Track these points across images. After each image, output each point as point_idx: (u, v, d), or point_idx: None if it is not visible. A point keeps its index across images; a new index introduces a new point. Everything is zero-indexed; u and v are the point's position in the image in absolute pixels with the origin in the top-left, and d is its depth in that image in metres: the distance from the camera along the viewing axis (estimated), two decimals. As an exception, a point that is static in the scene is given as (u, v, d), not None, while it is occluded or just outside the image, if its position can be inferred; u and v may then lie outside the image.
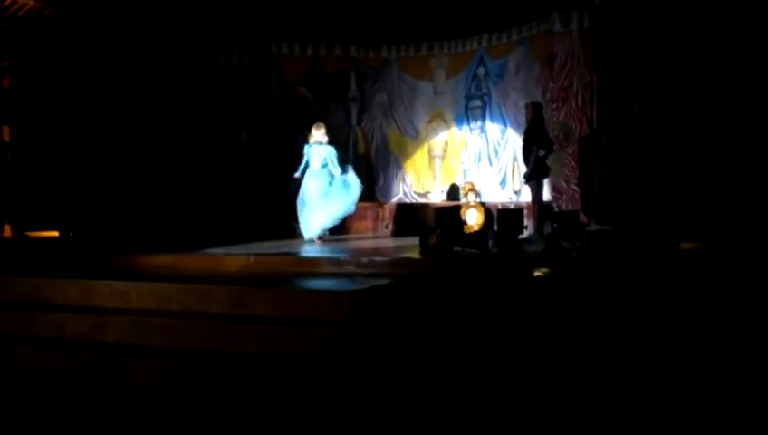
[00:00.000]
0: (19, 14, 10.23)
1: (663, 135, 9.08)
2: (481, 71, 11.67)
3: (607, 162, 9.59)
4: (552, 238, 7.40)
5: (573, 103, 9.97)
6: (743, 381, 4.45)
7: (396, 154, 12.41)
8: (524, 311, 5.64)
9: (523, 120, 10.17)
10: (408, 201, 11.95)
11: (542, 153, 8.84)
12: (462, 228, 8.16)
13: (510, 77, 11.21)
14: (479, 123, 11.74)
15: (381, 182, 12.36)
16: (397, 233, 10.32)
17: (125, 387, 5.01)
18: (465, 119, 11.93)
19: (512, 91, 11.12)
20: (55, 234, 10.23)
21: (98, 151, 11.04)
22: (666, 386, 4.44)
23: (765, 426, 3.91)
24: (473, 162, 11.83)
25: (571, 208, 9.50)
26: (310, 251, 8.24)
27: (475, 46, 11.74)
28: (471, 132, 11.87)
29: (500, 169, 11.37)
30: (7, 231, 9.61)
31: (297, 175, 9.10)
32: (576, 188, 9.90)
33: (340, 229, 10.09)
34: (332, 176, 9.10)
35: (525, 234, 8.57)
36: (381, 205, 11.56)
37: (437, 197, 11.97)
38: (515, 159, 10.81)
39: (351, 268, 6.67)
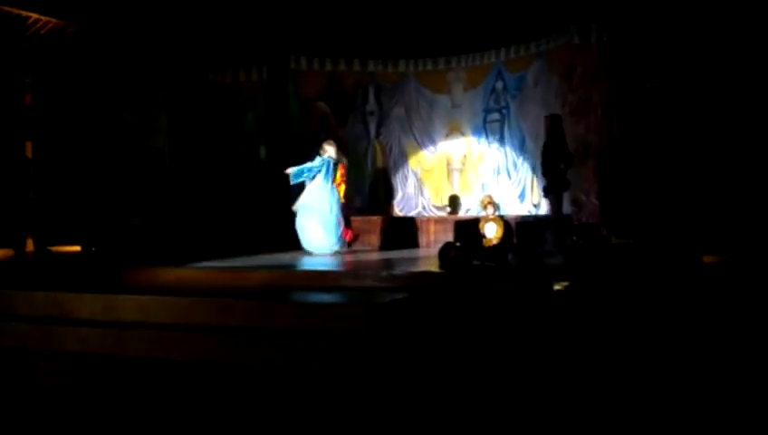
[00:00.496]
0: (42, 31, 10.41)
1: (684, 147, 9.01)
2: (499, 84, 11.68)
3: (627, 175, 9.52)
4: (571, 252, 7.35)
5: (593, 116, 9.92)
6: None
7: (414, 168, 12.42)
8: (544, 325, 5.59)
9: (541, 133, 10.14)
10: (425, 215, 11.93)
11: (561, 166, 8.80)
12: (481, 242, 8.13)
13: (528, 90, 11.20)
14: (498, 137, 11.73)
15: (400, 196, 12.37)
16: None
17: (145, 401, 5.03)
18: (484, 132, 11.92)
19: (530, 104, 11.11)
20: (77, 248, 10.34)
21: (119, 167, 11.15)
22: (688, 400, 4.38)
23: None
24: (491, 176, 11.81)
25: (590, 222, 9.44)
26: (328, 265, 8.25)
27: (492, 60, 11.75)
28: (489, 146, 11.86)
29: (519, 183, 11.34)
30: (30, 246, 9.73)
31: (291, 174, 9.17)
32: (596, 201, 9.83)
33: (358, 242, 10.14)
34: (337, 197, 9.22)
35: (545, 247, 8.52)
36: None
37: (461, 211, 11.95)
38: (534, 172, 10.78)
39: (370, 282, 6.66)
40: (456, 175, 12.22)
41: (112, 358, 5.56)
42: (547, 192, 9.02)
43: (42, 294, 6.50)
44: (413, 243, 10.64)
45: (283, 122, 11.76)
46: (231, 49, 11.60)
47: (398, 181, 12.38)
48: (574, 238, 8.08)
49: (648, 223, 8.97)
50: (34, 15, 10.11)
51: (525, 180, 11.22)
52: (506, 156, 11.58)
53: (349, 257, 8.97)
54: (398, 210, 12.17)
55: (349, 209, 11.34)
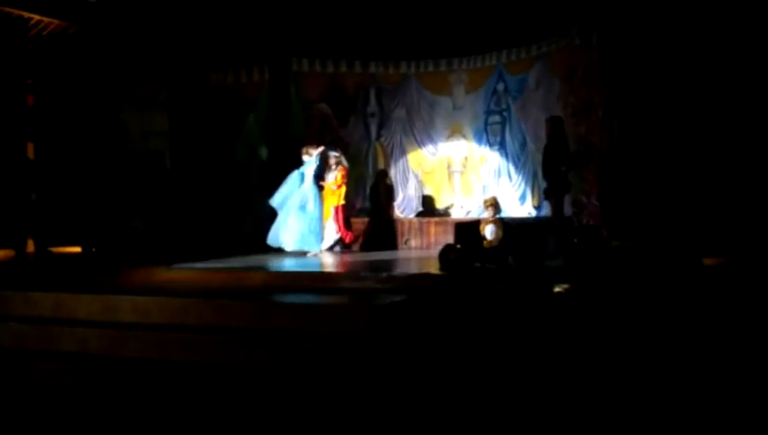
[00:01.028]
0: (44, 33, 10.42)
1: (685, 149, 8.99)
2: (500, 86, 11.67)
3: (628, 177, 9.50)
4: (572, 254, 7.34)
5: (594, 118, 9.91)
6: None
7: (415, 169, 12.41)
8: (544, 327, 5.58)
9: (542, 135, 10.13)
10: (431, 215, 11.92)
11: (562, 168, 8.78)
12: (481, 244, 8.12)
13: (530, 92, 11.19)
14: (498, 139, 11.72)
15: (401, 197, 12.36)
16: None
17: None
18: (485, 134, 11.91)
19: (531, 106, 11.10)
20: (78, 249, 10.35)
21: (119, 168, 11.16)
22: (689, 401, 4.37)
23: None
24: (492, 177, 11.80)
25: (591, 224, 9.43)
26: (329, 266, 8.25)
27: (494, 62, 11.75)
28: (491, 148, 11.85)
29: (520, 185, 11.33)
30: (30, 246, 9.74)
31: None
32: (597, 203, 9.81)
33: (358, 244, 10.19)
34: None
35: (545, 249, 8.50)
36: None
37: (457, 212, 11.94)
38: (535, 174, 10.76)
39: (370, 283, 6.65)
40: (456, 177, 12.21)
41: (110, 358, 5.55)
42: (548, 194, 9.01)
43: (39, 295, 6.50)
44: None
45: (284, 124, 11.76)
46: (232, 50, 11.61)
47: (398, 183, 12.37)
48: (575, 240, 8.07)
49: (649, 225, 8.96)
50: (36, 17, 10.13)
51: (526, 182, 11.21)
52: (507, 158, 11.57)
53: (346, 258, 8.98)
54: (399, 212, 12.16)
55: (349, 211, 11.39)
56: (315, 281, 7.09)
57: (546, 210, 10.08)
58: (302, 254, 9.30)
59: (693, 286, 6.13)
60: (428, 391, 4.70)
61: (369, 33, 11.47)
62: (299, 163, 9.68)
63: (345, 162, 10.85)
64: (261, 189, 11.43)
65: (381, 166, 12.37)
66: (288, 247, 9.29)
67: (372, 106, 12.36)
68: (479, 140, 11.99)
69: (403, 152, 12.42)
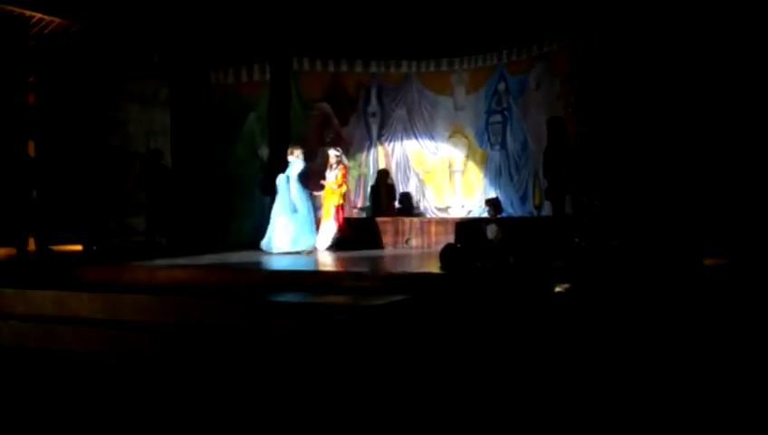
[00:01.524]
0: (45, 31, 10.42)
1: (686, 149, 8.99)
2: (501, 86, 11.66)
3: (629, 177, 9.51)
4: (573, 254, 7.34)
5: (595, 118, 9.90)
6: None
7: (416, 169, 12.41)
8: (545, 327, 5.58)
9: (543, 135, 10.13)
10: (427, 216, 11.92)
11: (563, 168, 8.80)
12: (482, 243, 8.14)
13: (531, 92, 11.18)
14: (500, 138, 11.70)
15: (402, 197, 12.35)
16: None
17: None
18: (486, 134, 11.90)
19: (533, 106, 11.09)
20: (79, 247, 10.35)
21: (120, 166, 11.17)
22: (690, 402, 4.37)
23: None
24: (493, 177, 11.79)
25: (592, 224, 9.42)
26: (330, 265, 8.25)
27: (495, 62, 11.73)
28: (492, 148, 11.83)
29: (521, 185, 11.31)
30: (31, 245, 9.74)
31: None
32: (598, 203, 9.80)
33: (359, 243, 10.19)
34: None
35: (546, 249, 8.51)
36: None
37: (457, 212, 11.94)
38: (536, 174, 10.76)
39: (371, 282, 6.66)
40: (457, 176, 12.20)
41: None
42: (549, 194, 9.02)
43: (41, 293, 6.50)
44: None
45: (284, 123, 11.77)
46: (233, 49, 11.60)
47: (399, 182, 12.37)
48: (576, 240, 8.08)
49: (650, 225, 8.96)
50: (38, 15, 10.12)
51: (527, 182, 11.19)
52: (508, 158, 11.56)
53: (352, 257, 8.98)
54: (399, 212, 12.16)
55: (350, 210, 11.41)
56: (316, 280, 7.10)
57: (547, 210, 10.09)
58: (298, 253, 9.36)
59: (693, 287, 6.13)
60: (428, 391, 4.71)
61: (371, 32, 11.47)
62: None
63: (346, 161, 10.86)
64: (261, 188, 11.46)
65: (382, 165, 12.37)
66: (284, 250, 9.41)
67: (373, 105, 12.35)
68: (480, 140, 11.98)
69: (404, 152, 12.42)
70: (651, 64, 9.33)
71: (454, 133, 12.23)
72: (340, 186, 10.50)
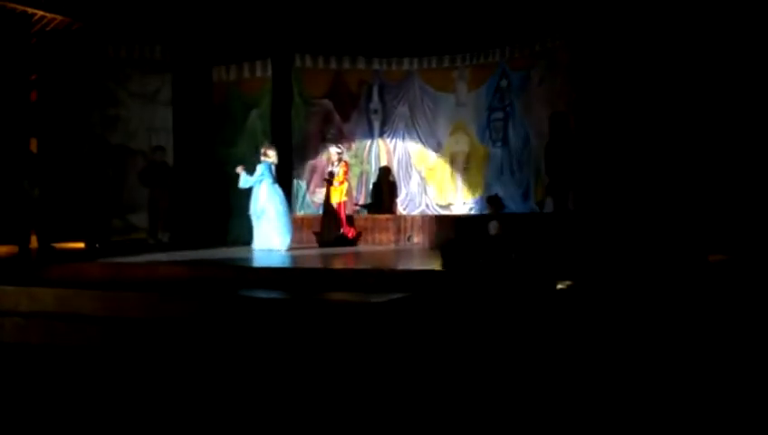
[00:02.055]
0: (47, 28, 10.43)
1: (692, 145, 8.97)
2: (503, 83, 11.64)
3: (633, 173, 9.49)
4: (574, 250, 7.33)
5: (597, 114, 9.88)
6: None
7: (418, 166, 12.40)
8: (547, 324, 5.58)
9: (545, 131, 10.11)
10: (431, 212, 11.92)
11: (566, 165, 8.78)
12: (484, 240, 8.12)
13: (533, 89, 11.15)
14: (501, 135, 11.68)
15: (403, 194, 12.35)
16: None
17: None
18: (488, 131, 11.88)
19: (535, 103, 11.07)
20: (81, 245, 10.36)
21: (122, 164, 11.18)
22: (692, 399, 4.36)
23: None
24: (495, 174, 11.77)
25: (595, 220, 9.40)
26: (332, 262, 8.24)
27: (497, 58, 11.72)
28: (494, 144, 11.82)
29: (523, 181, 11.29)
30: (34, 242, 9.75)
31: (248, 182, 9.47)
32: (601, 199, 9.78)
33: (360, 240, 10.18)
34: None
35: (548, 246, 8.50)
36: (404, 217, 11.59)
37: (459, 209, 11.93)
38: (538, 170, 10.74)
39: (371, 280, 6.64)
40: (459, 174, 12.19)
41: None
42: (551, 191, 9.00)
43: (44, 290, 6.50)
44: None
45: (286, 120, 11.77)
46: (236, 46, 11.60)
47: (401, 179, 12.36)
48: (577, 237, 8.07)
49: (654, 222, 8.95)
50: (40, 12, 10.14)
51: (529, 179, 11.17)
52: (510, 154, 11.53)
53: (353, 254, 8.96)
54: (402, 209, 12.16)
55: (352, 207, 11.40)
56: (316, 277, 7.09)
57: (549, 206, 10.07)
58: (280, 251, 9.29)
59: (698, 283, 6.12)
60: (430, 388, 4.70)
61: (372, 29, 11.47)
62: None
63: (347, 158, 10.85)
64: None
65: (384, 162, 12.36)
66: (263, 248, 9.37)
67: (375, 102, 12.34)
68: (482, 137, 11.96)
69: (406, 149, 12.41)
70: (656, 59, 9.31)
71: (455, 130, 12.21)
72: (341, 183, 10.50)
